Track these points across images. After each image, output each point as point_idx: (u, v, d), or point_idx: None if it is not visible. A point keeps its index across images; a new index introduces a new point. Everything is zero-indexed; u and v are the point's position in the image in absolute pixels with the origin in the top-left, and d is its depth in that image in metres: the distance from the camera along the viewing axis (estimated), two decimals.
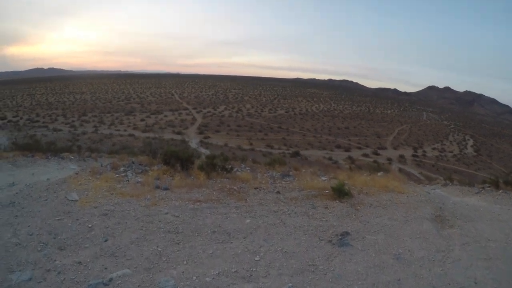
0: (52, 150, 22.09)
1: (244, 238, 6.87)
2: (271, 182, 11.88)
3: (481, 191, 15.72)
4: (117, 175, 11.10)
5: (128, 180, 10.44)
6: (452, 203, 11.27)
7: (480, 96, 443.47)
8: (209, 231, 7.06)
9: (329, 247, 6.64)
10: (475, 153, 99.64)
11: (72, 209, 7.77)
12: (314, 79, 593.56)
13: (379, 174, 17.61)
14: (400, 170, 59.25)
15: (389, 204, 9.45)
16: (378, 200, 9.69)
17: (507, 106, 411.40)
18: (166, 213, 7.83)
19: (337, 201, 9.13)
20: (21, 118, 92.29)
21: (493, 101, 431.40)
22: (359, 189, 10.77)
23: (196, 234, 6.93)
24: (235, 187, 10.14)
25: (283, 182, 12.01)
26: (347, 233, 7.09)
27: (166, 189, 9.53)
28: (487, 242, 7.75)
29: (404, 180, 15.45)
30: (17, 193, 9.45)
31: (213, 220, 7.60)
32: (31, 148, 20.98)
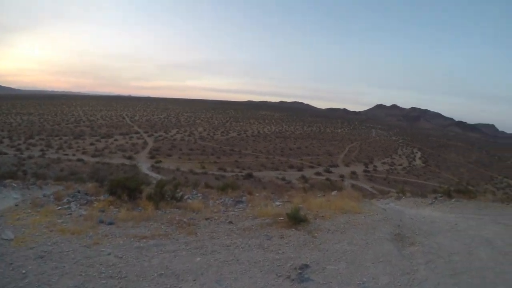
0: None
1: (194, 280, 6.08)
2: (223, 211, 11.36)
3: (434, 201, 15.87)
4: (59, 208, 10.32)
5: (71, 214, 9.68)
6: (409, 218, 11.15)
7: (426, 111, 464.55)
8: (155, 274, 6.24)
9: (288, 284, 5.97)
10: (423, 164, 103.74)
11: (6, 250, 6.87)
12: (266, 101, 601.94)
13: (333, 193, 17.40)
14: (353, 186, 60.11)
15: (347, 227, 9.07)
16: (335, 224, 9.29)
17: (451, 119, 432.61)
18: (109, 254, 6.93)
19: (293, 229, 8.60)
20: None
21: (438, 115, 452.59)
22: (315, 213, 10.42)
23: (141, 279, 6.08)
24: (184, 219, 9.49)
25: (236, 210, 11.52)
26: (306, 266, 6.49)
27: (110, 223, 8.77)
28: (450, 256, 7.49)
29: (359, 198, 15.28)
30: None
31: (160, 260, 6.81)
32: None
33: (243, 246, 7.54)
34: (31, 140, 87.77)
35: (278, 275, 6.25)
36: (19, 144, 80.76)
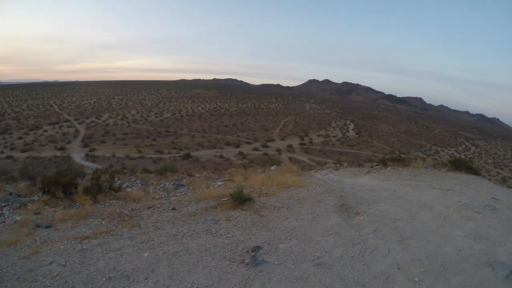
0: None
1: (145, 279, 5.69)
2: (164, 196, 11.10)
3: (371, 170, 16.31)
4: None
5: (4, 221, 8.95)
6: (350, 188, 11.35)
7: (357, 85, 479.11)
8: (104, 279, 5.75)
9: (244, 270, 5.79)
10: (356, 135, 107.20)
11: None
12: (199, 79, 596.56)
13: (272, 168, 17.48)
14: (290, 159, 61.14)
15: (292, 203, 9.03)
16: (280, 200, 9.24)
17: (382, 93, 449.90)
18: (51, 263, 6.32)
19: (239, 210, 8.43)
20: None
21: (369, 89, 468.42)
22: (258, 190, 10.33)
23: (90, 286, 5.58)
24: (126, 211, 9.08)
25: (178, 194, 11.28)
26: (258, 248, 6.33)
27: (48, 226, 8.14)
28: (395, 222, 7.67)
29: (299, 171, 15.43)
30: None
31: (106, 261, 6.31)
32: None
33: (190, 233, 7.25)
34: None
35: (232, 260, 6.05)
36: None
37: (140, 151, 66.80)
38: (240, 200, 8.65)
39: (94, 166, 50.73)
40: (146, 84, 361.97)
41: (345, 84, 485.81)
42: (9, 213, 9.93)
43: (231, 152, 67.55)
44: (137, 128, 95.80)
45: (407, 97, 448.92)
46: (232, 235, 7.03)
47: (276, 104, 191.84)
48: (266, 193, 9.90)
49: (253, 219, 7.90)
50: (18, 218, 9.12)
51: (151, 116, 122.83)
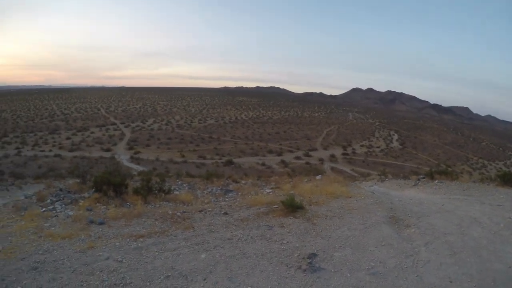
0: None
1: (204, 279, 5.74)
2: (214, 201, 11.30)
3: (417, 183, 16.02)
4: (44, 210, 9.98)
5: (57, 215, 9.28)
6: (398, 200, 11.20)
7: (401, 94, 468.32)
8: (162, 277, 5.84)
9: (301, 275, 5.83)
10: (400, 146, 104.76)
11: None
12: (242, 87, 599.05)
13: (317, 177, 17.45)
14: (333, 169, 60.58)
15: (343, 213, 9.07)
16: (331, 210, 9.29)
17: (427, 102, 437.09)
18: (107, 258, 6.49)
19: (291, 217, 8.52)
20: None
21: (413, 98, 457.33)
22: (307, 199, 10.38)
23: (148, 283, 5.67)
24: (178, 213, 9.31)
25: (227, 199, 11.46)
26: (314, 255, 6.39)
27: (101, 223, 8.44)
28: (445, 236, 7.58)
29: (345, 181, 15.35)
30: None
31: (163, 260, 6.41)
32: None
33: (245, 238, 7.36)
34: (5, 138, 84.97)
35: (289, 266, 6.11)
36: None
37: (183, 156, 67.65)
38: (293, 207, 8.72)
39: (139, 168, 51.75)
40: (190, 91, 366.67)
41: (389, 92, 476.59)
42: (61, 208, 10.31)
43: (273, 160, 67.49)
44: (181, 133, 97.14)
45: (453, 107, 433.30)
46: (287, 242, 7.08)
47: (319, 113, 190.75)
48: (316, 202, 9.94)
49: (306, 227, 7.95)
50: (71, 213, 9.44)
51: (195, 122, 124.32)
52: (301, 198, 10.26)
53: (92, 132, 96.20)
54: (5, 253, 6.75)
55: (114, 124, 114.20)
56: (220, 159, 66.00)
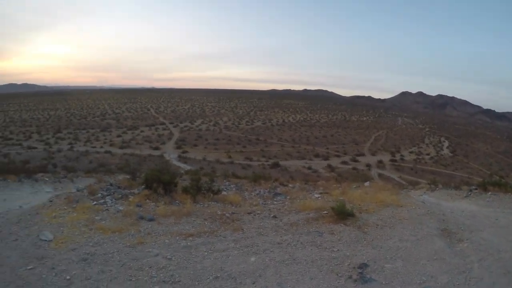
0: (26, 171, 21.23)
1: (253, 283, 5.70)
2: (262, 203, 11.30)
3: (469, 194, 15.48)
4: (95, 203, 10.25)
5: (108, 209, 9.56)
6: (450, 212, 10.84)
7: (452, 98, 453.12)
8: (211, 277, 5.85)
9: (352, 286, 5.69)
10: (451, 154, 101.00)
11: (46, 253, 6.58)
12: (290, 90, 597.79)
13: (366, 184, 17.22)
14: (380, 175, 59.52)
15: (394, 222, 8.88)
16: (382, 219, 9.10)
17: (479, 107, 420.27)
18: (156, 255, 6.65)
19: (342, 224, 8.40)
20: None
21: (465, 103, 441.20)
22: (357, 206, 10.22)
23: (197, 282, 5.69)
24: (227, 214, 9.36)
25: (275, 203, 11.43)
26: (365, 265, 6.27)
27: (151, 219, 8.60)
28: (499, 253, 7.25)
29: (395, 189, 15.07)
30: None
31: (213, 261, 6.44)
32: (2, 170, 20.08)
33: (295, 243, 7.29)
34: (59, 134, 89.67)
35: (339, 274, 6.02)
36: (47, 139, 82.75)
37: (230, 157, 68.20)
38: (343, 214, 8.61)
39: (186, 167, 52.53)
40: (238, 93, 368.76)
41: (440, 97, 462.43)
42: (111, 202, 10.56)
43: (320, 164, 66.92)
44: (228, 135, 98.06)
45: (508, 112, 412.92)
46: (338, 250, 7.00)
47: (367, 117, 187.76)
48: (366, 210, 9.80)
49: (357, 235, 7.85)
50: (121, 208, 9.69)
51: (242, 124, 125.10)
52: (351, 205, 10.13)
53: (142, 131, 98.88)
54: (56, 242, 7.01)
55: (163, 124, 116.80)
56: (267, 161, 66.10)
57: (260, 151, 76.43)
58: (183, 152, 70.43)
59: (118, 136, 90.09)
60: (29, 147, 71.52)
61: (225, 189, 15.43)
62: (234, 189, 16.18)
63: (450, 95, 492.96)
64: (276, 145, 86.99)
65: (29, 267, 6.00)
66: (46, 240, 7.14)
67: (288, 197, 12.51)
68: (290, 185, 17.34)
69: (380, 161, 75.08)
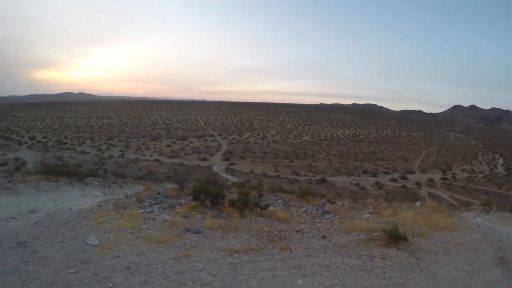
0: (77, 174, 21.98)
1: None
2: (310, 221, 11.08)
3: None
4: (142, 211, 10.42)
5: (154, 218, 9.67)
6: (507, 237, 10.30)
7: (507, 112, 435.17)
8: None
9: None
10: (506, 173, 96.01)
11: (90, 257, 6.71)
12: (338, 104, 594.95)
13: (417, 204, 16.72)
14: (430, 194, 57.82)
15: (449, 248, 8.46)
16: (435, 244, 8.69)
17: None
18: (201, 270, 6.55)
19: (394, 249, 8.06)
20: (49, 140, 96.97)
21: None
22: (409, 228, 9.84)
23: None
24: (274, 231, 9.20)
25: (324, 221, 11.18)
26: None
27: (197, 232, 8.59)
28: None
29: (448, 211, 14.51)
30: (35, 223, 8.90)
31: (259, 281, 6.24)
32: (55, 172, 20.84)
33: (344, 267, 7.02)
34: (111, 141, 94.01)
35: None
36: (100, 145, 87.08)
37: (277, 170, 67.96)
38: (396, 238, 8.31)
39: (233, 179, 52.85)
40: (286, 107, 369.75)
41: (494, 110, 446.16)
42: (159, 211, 10.68)
43: (368, 181, 65.55)
44: (276, 148, 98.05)
45: None
46: (389, 277, 6.70)
47: (418, 133, 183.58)
48: (419, 233, 9.43)
49: (410, 261, 7.50)
50: (168, 218, 9.74)
51: (290, 138, 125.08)
52: (403, 227, 9.79)
53: (191, 142, 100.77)
54: (101, 248, 7.13)
55: (212, 135, 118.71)
56: (314, 176, 65.33)
57: (307, 166, 75.73)
58: (231, 164, 70.94)
59: (168, 145, 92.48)
60: (82, 152, 75.40)
61: (272, 204, 15.31)
62: (281, 204, 16.03)
63: (504, 108, 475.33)
64: (323, 160, 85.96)
65: (72, 271, 6.11)
66: (91, 245, 7.30)
67: (337, 215, 12.22)
68: (338, 203, 17.02)
69: (430, 179, 72.81)
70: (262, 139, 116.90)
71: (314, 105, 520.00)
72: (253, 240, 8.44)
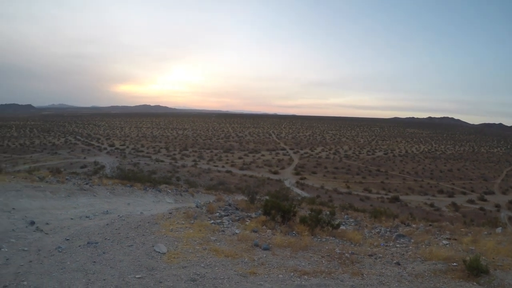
0: (151, 181, 22.88)
1: None
2: (383, 244, 10.71)
3: None
4: (212, 222, 10.58)
5: (224, 230, 9.75)
6: None
7: None
8: None
9: None
10: None
11: (157, 265, 6.80)
12: (413, 117, 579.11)
13: (497, 230, 15.79)
14: (510, 219, 54.43)
15: None
16: None
17: None
18: None
19: (474, 283, 7.42)
20: (127, 147, 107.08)
21: None
22: (491, 259, 9.20)
23: None
24: (346, 253, 8.85)
25: (398, 245, 10.75)
26: None
27: (266, 249, 8.47)
28: None
29: None
30: (107, 224, 9.39)
31: None
32: (131, 178, 21.82)
33: None
34: (185, 151, 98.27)
35: None
36: (174, 154, 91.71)
37: (348, 187, 67.12)
38: (477, 270, 7.75)
39: (303, 194, 52.60)
40: (359, 121, 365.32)
41: None
42: (228, 224, 10.79)
43: (443, 202, 62.68)
44: (348, 164, 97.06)
45: None
46: None
47: (498, 148, 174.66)
48: (501, 265, 8.75)
49: None
50: (237, 231, 9.78)
51: (363, 153, 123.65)
52: (483, 257, 9.18)
53: (263, 155, 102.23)
54: (169, 256, 7.21)
55: (283, 149, 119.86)
56: (386, 194, 63.88)
57: (380, 183, 74.11)
58: (301, 179, 70.95)
59: (240, 158, 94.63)
60: (157, 160, 79.67)
61: (343, 223, 15.05)
62: (353, 224, 15.75)
63: None
64: (397, 177, 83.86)
65: (138, 276, 6.21)
66: (159, 252, 7.42)
67: (412, 240, 11.72)
68: (413, 226, 16.43)
69: (511, 202, 68.71)
70: (334, 154, 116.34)
71: (387, 119, 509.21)
72: (323, 261, 8.13)
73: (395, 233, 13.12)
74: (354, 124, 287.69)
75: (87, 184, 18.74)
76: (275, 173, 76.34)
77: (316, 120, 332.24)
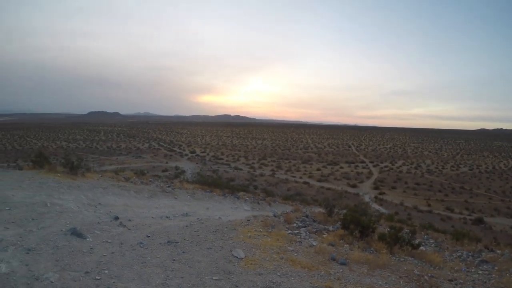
0: (230, 188, 23.67)
1: None
2: (464, 270, 10.47)
3: None
4: (289, 232, 10.72)
5: (301, 241, 9.83)
6: None
7: None
8: None
9: None
10: None
11: (234, 269, 6.93)
12: (501, 129, 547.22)
13: None
14: None
15: None
16: None
17: None
18: None
19: None
20: (207, 154, 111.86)
21: None
22: None
23: None
24: (425, 276, 8.61)
25: (480, 272, 10.48)
26: None
27: (343, 263, 8.27)
28: None
29: None
30: (186, 226, 9.85)
31: None
32: (210, 183, 22.73)
33: None
34: (263, 161, 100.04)
35: None
36: (252, 163, 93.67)
37: (429, 205, 64.53)
38: None
39: (381, 209, 51.61)
40: (443, 133, 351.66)
41: None
42: (305, 235, 10.87)
43: None
44: (430, 180, 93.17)
45: None
46: None
47: None
48: None
49: None
50: (314, 243, 9.78)
51: (447, 168, 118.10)
52: None
53: (341, 167, 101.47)
54: (246, 262, 7.41)
55: (363, 162, 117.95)
56: (470, 215, 60.07)
57: (463, 202, 70.13)
58: (380, 194, 69.34)
59: (318, 169, 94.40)
60: (236, 168, 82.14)
61: (423, 243, 14.83)
62: (433, 245, 15.48)
63: None
64: (482, 196, 78.95)
65: (215, 278, 6.45)
66: (237, 257, 7.64)
67: (495, 267, 11.36)
68: (497, 252, 15.81)
69: None
70: (415, 168, 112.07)
71: (473, 130, 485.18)
72: (401, 282, 7.82)
73: (478, 259, 12.78)
74: (437, 136, 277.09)
75: (169, 187, 19.87)
76: (354, 186, 75.05)
77: (397, 132, 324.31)
